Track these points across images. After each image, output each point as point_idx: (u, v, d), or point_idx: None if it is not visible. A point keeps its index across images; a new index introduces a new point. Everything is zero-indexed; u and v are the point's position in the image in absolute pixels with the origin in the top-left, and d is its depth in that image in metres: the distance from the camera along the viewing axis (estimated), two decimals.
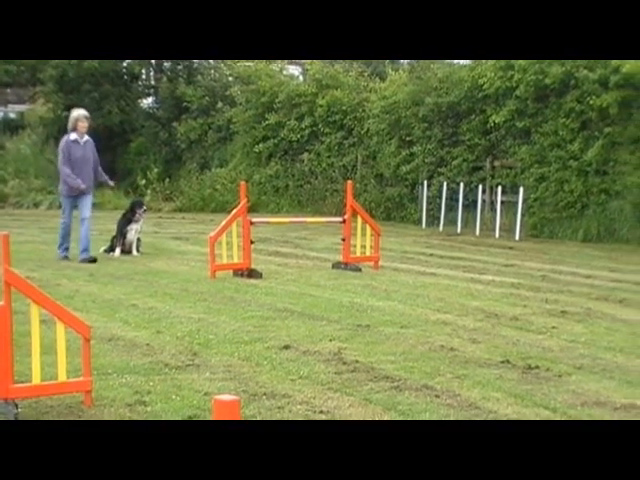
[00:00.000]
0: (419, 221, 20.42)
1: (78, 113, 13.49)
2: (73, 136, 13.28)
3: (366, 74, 23.40)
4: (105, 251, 14.16)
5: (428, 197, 20.25)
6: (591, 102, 17.44)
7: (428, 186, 20.28)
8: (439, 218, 19.89)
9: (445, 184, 19.79)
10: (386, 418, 5.89)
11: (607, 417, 5.94)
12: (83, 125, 13.32)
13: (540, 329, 8.82)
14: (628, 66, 16.77)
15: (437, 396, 6.41)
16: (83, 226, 13.23)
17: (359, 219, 13.09)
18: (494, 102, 19.21)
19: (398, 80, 21.66)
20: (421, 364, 7.34)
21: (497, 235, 18.30)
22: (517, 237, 17.91)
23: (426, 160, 20.52)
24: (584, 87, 17.63)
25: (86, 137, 13.37)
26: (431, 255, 15.02)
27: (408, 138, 21.05)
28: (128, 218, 14.34)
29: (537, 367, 7.25)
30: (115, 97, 26.92)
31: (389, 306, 9.95)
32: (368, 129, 22.00)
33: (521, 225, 18.15)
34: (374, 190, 21.64)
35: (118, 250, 14.03)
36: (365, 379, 6.85)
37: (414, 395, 6.44)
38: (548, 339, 8.38)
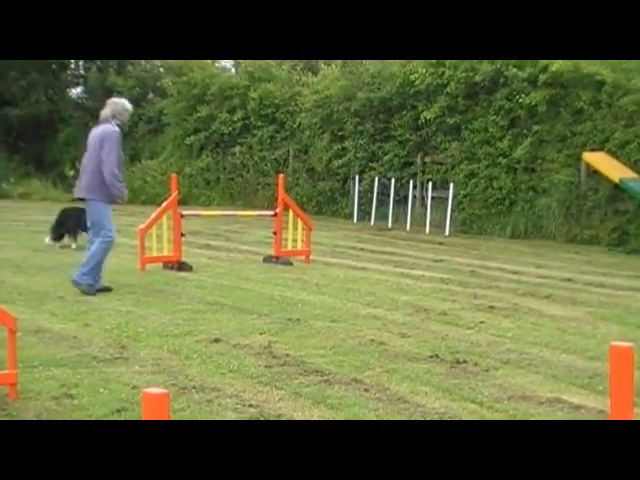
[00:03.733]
0: (350, 215, 20.52)
1: (128, 105, 10.60)
2: (118, 130, 10.23)
3: (299, 68, 23.41)
4: (54, 239, 13.95)
5: (359, 192, 20.35)
6: (520, 100, 17.71)
7: (360, 181, 20.38)
8: (370, 213, 20.00)
9: (376, 179, 19.91)
10: (316, 412, 5.89)
11: (532, 411, 6.02)
12: (124, 121, 10.53)
13: (468, 324, 8.91)
14: (556, 65, 17.07)
15: (366, 390, 6.43)
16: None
17: (290, 213, 13.09)
18: (425, 98, 19.36)
19: (330, 75, 21.71)
20: (351, 358, 7.36)
21: (427, 230, 18.47)
22: (447, 233, 18.10)
23: (358, 155, 20.60)
24: (513, 85, 17.89)
25: None
26: (362, 250, 15.08)
27: (340, 133, 21.12)
28: (67, 230, 14.07)
29: (465, 361, 7.31)
30: (43, 86, 26.48)
31: (320, 300, 9.97)
32: (300, 123, 22.00)
33: (451, 221, 18.34)
34: (306, 184, 21.66)
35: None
36: (295, 373, 6.85)
37: (344, 389, 6.44)
38: (476, 334, 8.47)
